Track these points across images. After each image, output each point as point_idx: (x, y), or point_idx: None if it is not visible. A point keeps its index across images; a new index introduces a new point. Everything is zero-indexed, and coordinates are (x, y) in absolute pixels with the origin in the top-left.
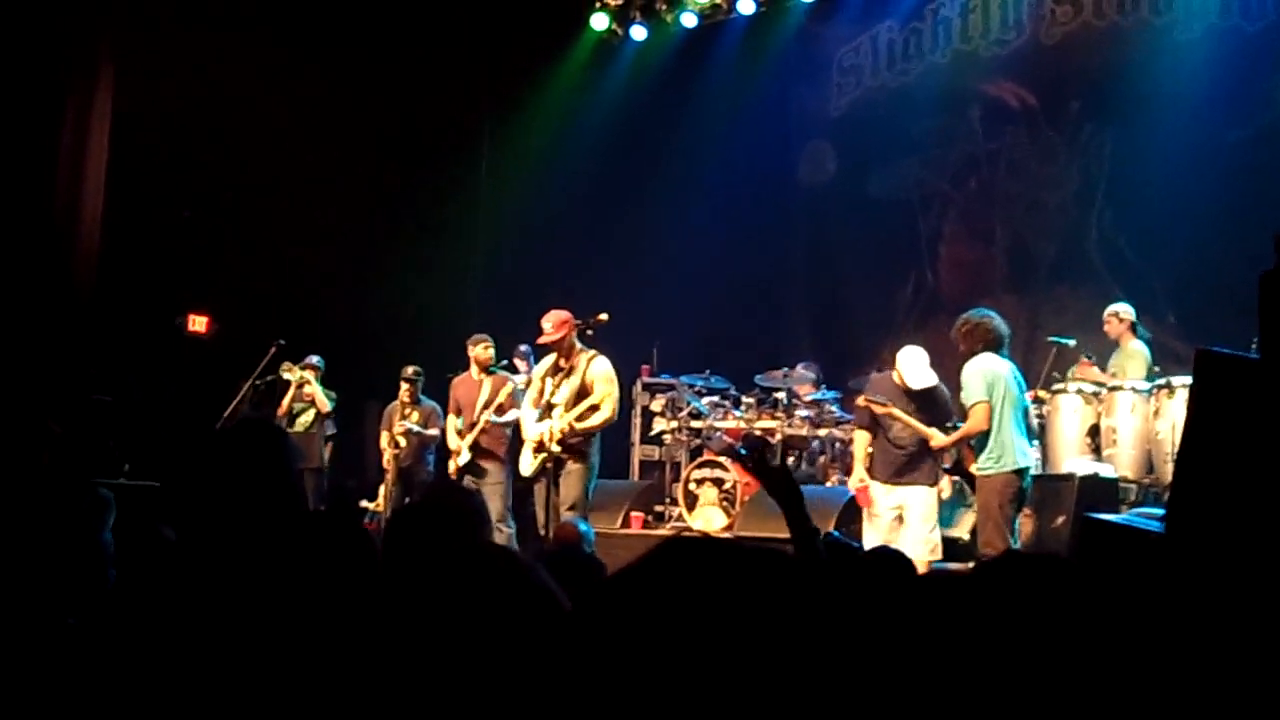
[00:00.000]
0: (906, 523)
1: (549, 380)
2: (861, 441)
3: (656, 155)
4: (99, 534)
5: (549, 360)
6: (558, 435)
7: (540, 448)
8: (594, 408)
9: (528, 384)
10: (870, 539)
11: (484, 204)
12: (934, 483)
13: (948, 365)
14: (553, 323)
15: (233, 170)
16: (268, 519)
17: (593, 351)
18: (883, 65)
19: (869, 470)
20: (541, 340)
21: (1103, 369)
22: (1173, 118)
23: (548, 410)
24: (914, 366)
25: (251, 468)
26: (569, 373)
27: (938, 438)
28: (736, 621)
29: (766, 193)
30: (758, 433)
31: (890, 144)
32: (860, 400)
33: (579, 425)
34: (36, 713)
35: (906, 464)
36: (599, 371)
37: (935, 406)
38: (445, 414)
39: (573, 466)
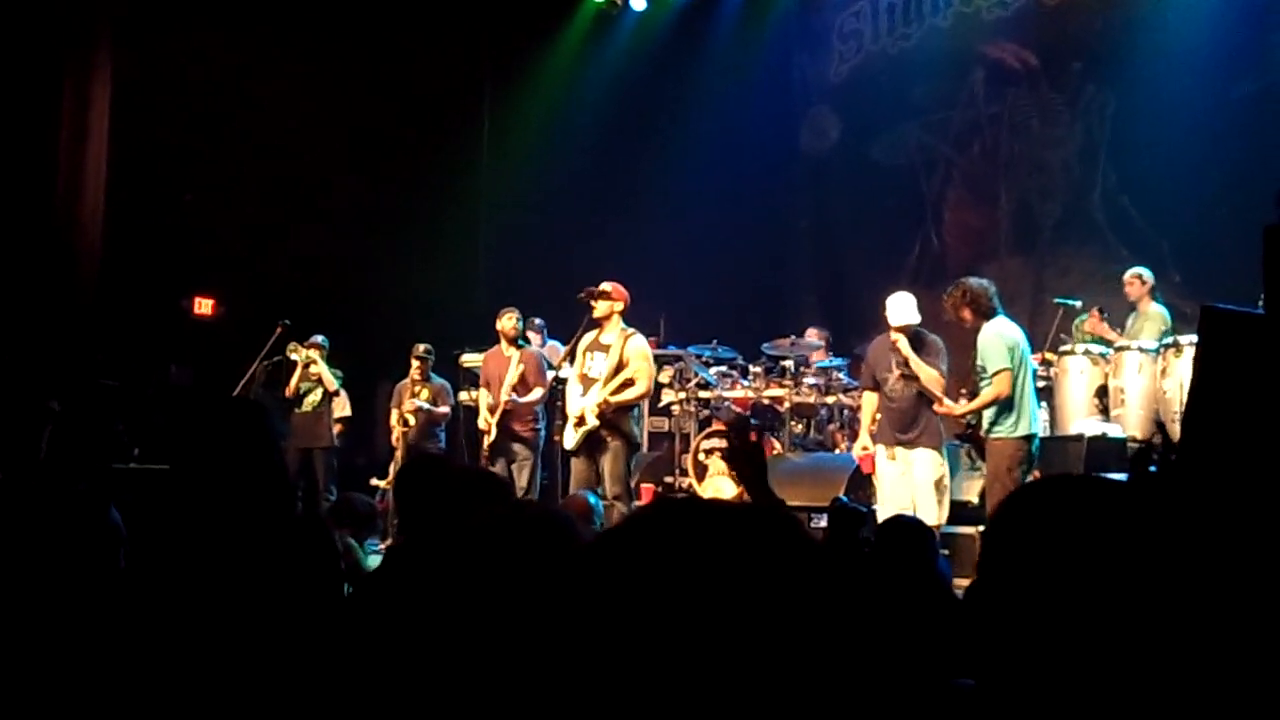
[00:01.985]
0: (914, 487)
1: (588, 355)
2: (869, 404)
3: (658, 126)
4: (105, 515)
5: (589, 337)
6: (595, 409)
7: (581, 421)
8: (629, 382)
9: (565, 356)
10: (880, 503)
11: (486, 178)
12: (938, 445)
13: (950, 330)
14: (614, 289)
15: (234, 152)
16: (253, 497)
17: (631, 330)
18: (883, 30)
19: (874, 435)
20: (600, 310)
21: (1120, 331)
22: (1176, 75)
23: (587, 384)
24: (897, 306)
25: (234, 446)
26: (606, 349)
27: (952, 405)
28: (721, 578)
29: (769, 161)
30: (765, 402)
31: (892, 109)
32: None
33: (614, 399)
34: (50, 690)
35: (908, 424)
36: (635, 348)
37: (924, 352)
38: (456, 391)
39: (613, 444)
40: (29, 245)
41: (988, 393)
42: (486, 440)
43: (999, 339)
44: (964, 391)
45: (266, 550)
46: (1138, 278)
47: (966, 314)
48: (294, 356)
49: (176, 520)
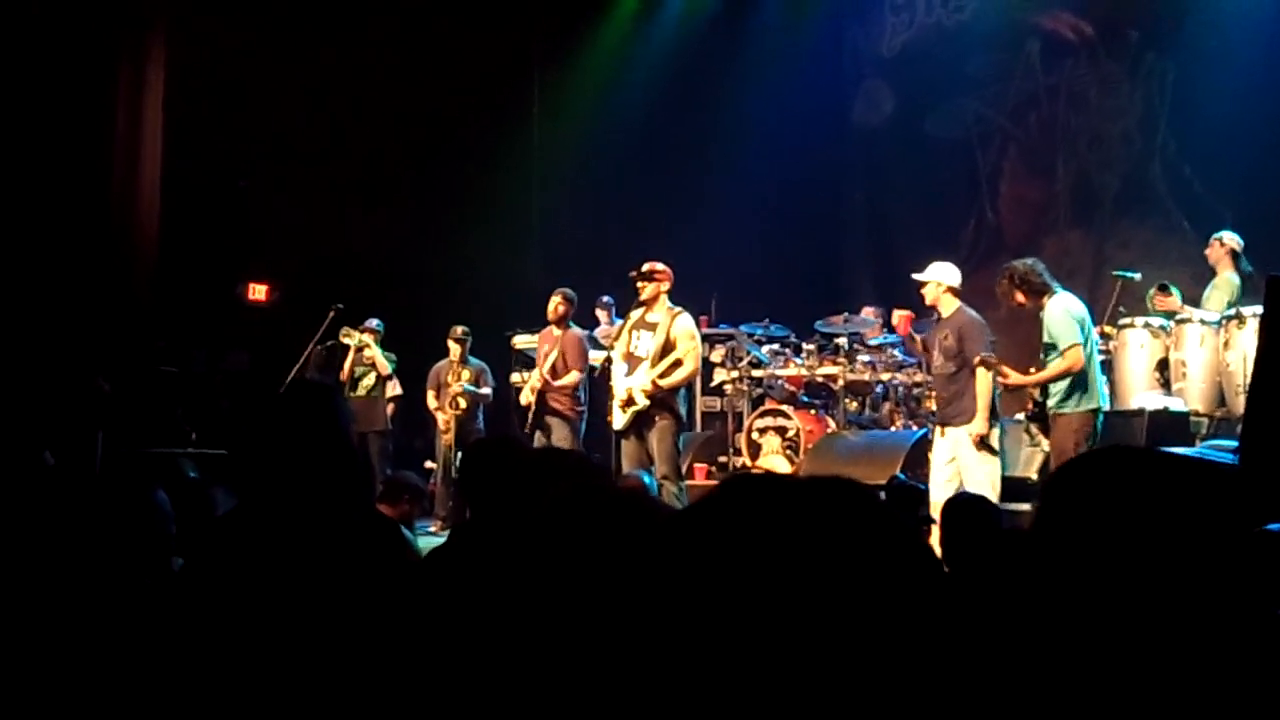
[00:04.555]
0: (962, 466)
1: (634, 334)
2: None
3: (709, 103)
4: (152, 493)
5: (635, 315)
6: (645, 389)
7: (629, 402)
8: (677, 363)
9: (617, 335)
10: (931, 483)
11: (537, 159)
12: (967, 420)
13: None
14: (663, 270)
15: (288, 137)
16: (328, 481)
17: (678, 309)
18: (937, 2)
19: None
20: (648, 292)
21: (1197, 299)
22: (1236, 41)
23: (634, 363)
24: (937, 269)
25: (307, 430)
26: (654, 328)
27: (1021, 377)
28: (801, 553)
29: (822, 136)
30: (819, 380)
31: (947, 82)
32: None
33: (663, 381)
34: (93, 670)
35: (948, 403)
36: (682, 328)
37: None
38: (508, 373)
39: (661, 423)
40: (86, 233)
41: (1059, 364)
42: (525, 395)
43: (1066, 314)
44: (1032, 370)
45: (340, 543)
46: (1218, 240)
47: (1021, 297)
48: (347, 341)
49: (245, 507)
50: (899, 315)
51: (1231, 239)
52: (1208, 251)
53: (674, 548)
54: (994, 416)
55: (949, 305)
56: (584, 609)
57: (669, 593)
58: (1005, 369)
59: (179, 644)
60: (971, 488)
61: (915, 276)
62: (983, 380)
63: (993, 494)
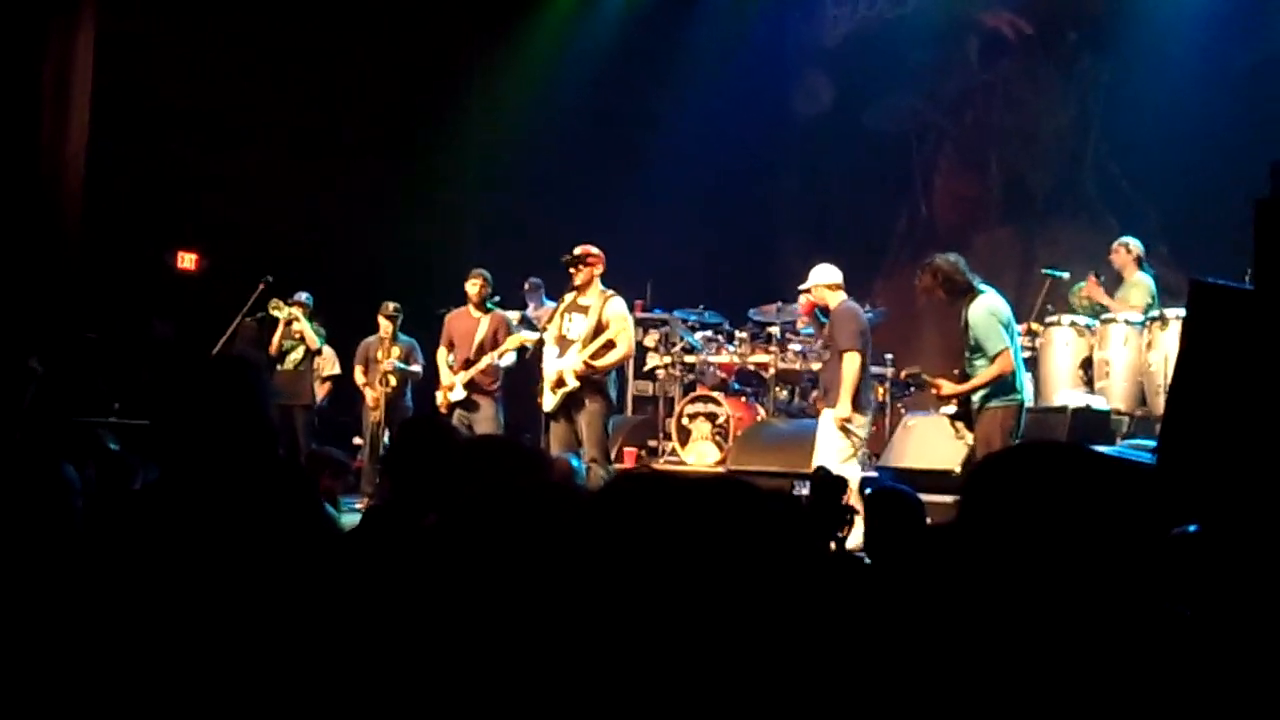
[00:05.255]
0: (816, 440)
1: (566, 316)
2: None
3: (649, 87)
4: (58, 466)
5: (568, 297)
6: (575, 371)
7: (560, 383)
8: (609, 344)
9: (550, 318)
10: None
11: (475, 139)
12: (833, 404)
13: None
14: (594, 253)
15: (219, 106)
16: (244, 454)
17: (610, 291)
18: None
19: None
20: (581, 276)
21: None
22: (1174, 47)
23: (565, 345)
24: (816, 273)
25: (226, 403)
26: (585, 310)
27: (953, 387)
28: (684, 548)
29: (761, 125)
30: (751, 368)
31: (886, 75)
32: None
33: (595, 363)
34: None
35: (826, 389)
36: (615, 311)
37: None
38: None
39: (591, 406)
40: (10, 197)
41: (990, 371)
42: (442, 396)
43: (992, 317)
44: (955, 372)
45: (251, 499)
46: (1123, 246)
47: (941, 295)
48: (276, 314)
49: (160, 475)
50: (803, 299)
51: (1136, 245)
52: (1113, 257)
53: (568, 545)
54: (865, 406)
55: (834, 300)
56: (494, 595)
57: (565, 587)
58: (939, 381)
59: (80, 618)
60: (816, 461)
61: (800, 289)
62: (847, 366)
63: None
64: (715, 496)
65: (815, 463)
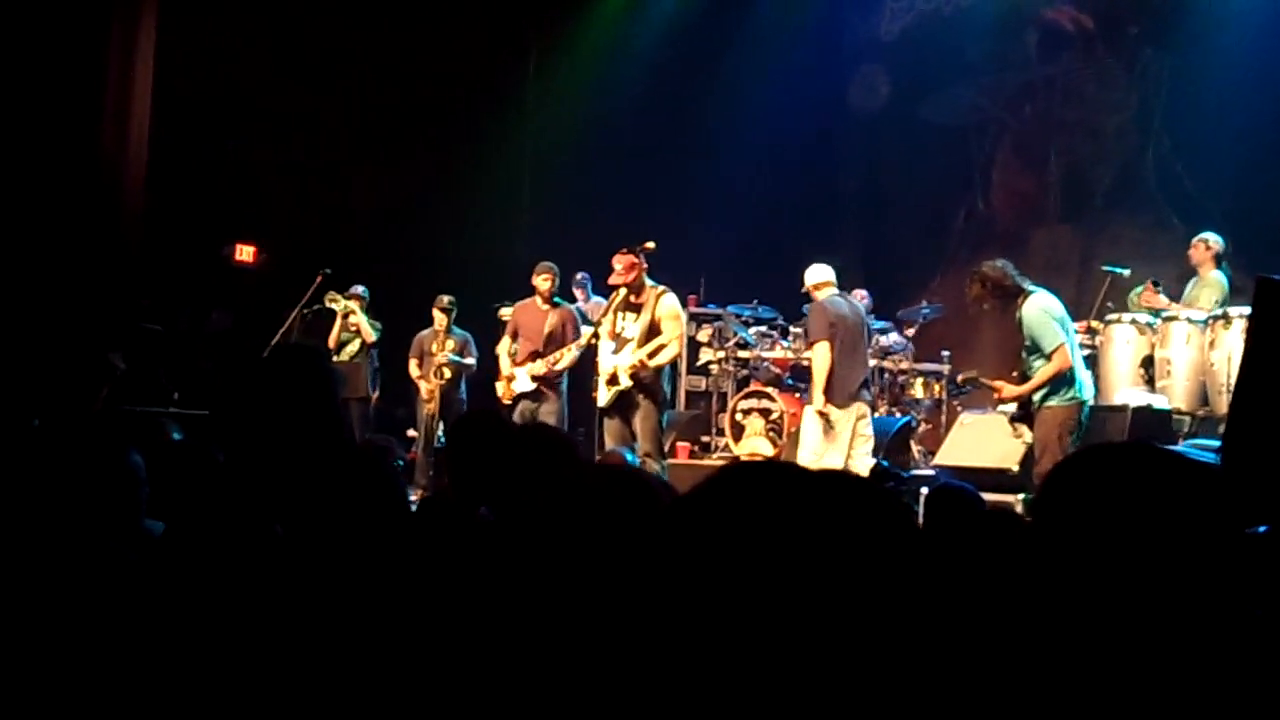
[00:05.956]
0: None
1: (620, 315)
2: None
3: (705, 82)
4: (126, 454)
5: (621, 294)
6: (629, 369)
7: (614, 380)
8: (663, 345)
9: (605, 312)
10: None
11: (530, 133)
12: (811, 401)
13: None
14: (623, 265)
15: (278, 100)
16: (310, 444)
17: (662, 288)
18: None
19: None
20: (612, 281)
21: (1179, 296)
22: (1237, 41)
23: (620, 343)
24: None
25: (294, 393)
26: (639, 309)
27: (1013, 389)
28: (800, 542)
29: (816, 120)
30: (805, 363)
31: (944, 69)
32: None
33: (650, 362)
34: (70, 628)
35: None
36: (667, 309)
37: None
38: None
39: (645, 401)
40: (74, 192)
41: (1048, 369)
42: (504, 386)
43: (1045, 314)
44: (1014, 375)
45: (327, 484)
46: (1203, 242)
47: (993, 303)
48: (333, 306)
49: (230, 465)
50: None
51: (1216, 241)
52: (1191, 252)
53: (671, 537)
54: (839, 396)
55: (819, 296)
56: (582, 594)
57: (667, 582)
58: (998, 384)
59: (151, 608)
60: (798, 450)
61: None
62: (816, 360)
63: (813, 463)
64: (847, 492)
65: (799, 456)
